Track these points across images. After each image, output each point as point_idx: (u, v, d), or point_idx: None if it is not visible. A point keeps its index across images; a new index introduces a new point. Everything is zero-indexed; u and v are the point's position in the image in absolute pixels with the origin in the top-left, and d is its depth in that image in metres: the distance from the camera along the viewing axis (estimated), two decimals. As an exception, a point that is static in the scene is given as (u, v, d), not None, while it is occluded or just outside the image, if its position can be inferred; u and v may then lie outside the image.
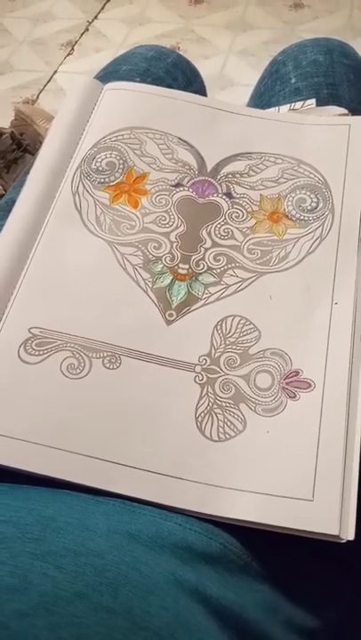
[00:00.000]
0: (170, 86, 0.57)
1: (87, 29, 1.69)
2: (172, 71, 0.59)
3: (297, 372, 0.35)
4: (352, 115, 0.48)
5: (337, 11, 1.62)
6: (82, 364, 0.35)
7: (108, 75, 0.58)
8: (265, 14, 1.64)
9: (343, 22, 1.57)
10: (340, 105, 0.51)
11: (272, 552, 0.32)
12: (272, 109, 0.53)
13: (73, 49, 1.63)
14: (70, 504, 0.30)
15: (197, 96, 0.51)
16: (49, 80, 1.55)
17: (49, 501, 0.30)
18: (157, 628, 0.24)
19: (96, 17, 1.72)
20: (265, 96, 0.58)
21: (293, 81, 0.56)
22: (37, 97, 1.50)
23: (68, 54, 1.62)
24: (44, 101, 1.48)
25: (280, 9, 1.65)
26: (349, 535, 0.29)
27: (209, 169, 0.44)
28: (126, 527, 0.29)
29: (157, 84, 0.56)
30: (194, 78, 0.62)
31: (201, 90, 0.64)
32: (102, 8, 1.75)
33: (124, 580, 0.25)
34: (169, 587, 0.26)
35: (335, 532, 0.29)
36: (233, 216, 0.41)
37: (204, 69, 1.41)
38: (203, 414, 0.34)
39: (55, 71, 1.57)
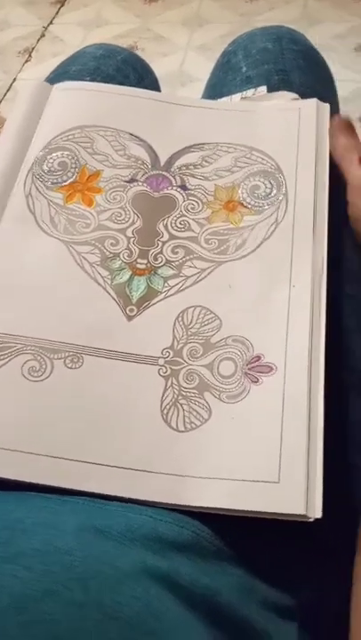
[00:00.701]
0: (121, 83, 0.57)
1: (43, 35, 1.67)
2: (123, 68, 0.59)
3: (259, 357, 0.35)
4: (303, 99, 0.48)
5: (292, 1, 1.62)
6: (43, 366, 0.35)
7: (58, 76, 0.57)
8: (220, 8, 1.64)
9: (299, 12, 1.57)
10: (290, 90, 0.51)
11: (244, 535, 0.32)
12: (224, 99, 0.53)
13: (30, 55, 1.62)
14: (38, 506, 0.30)
15: (147, 91, 0.51)
16: (8, 89, 1.54)
17: (17, 505, 0.30)
18: (128, 618, 0.24)
19: (51, 22, 1.71)
20: (217, 87, 0.58)
21: (244, 70, 0.56)
22: (-2, 106, 1.49)
23: (26, 61, 1.61)
24: (5, 110, 1.47)
25: (235, 2, 1.64)
26: (316, 513, 0.30)
27: (162, 162, 0.44)
28: (96, 524, 0.29)
29: (108, 82, 0.55)
30: (145, 74, 0.62)
31: (154, 85, 0.64)
32: (57, 13, 1.74)
33: (93, 574, 0.25)
34: (139, 577, 0.26)
35: (302, 512, 0.30)
36: (189, 208, 0.41)
37: (164, 67, 1.42)
38: (168, 406, 0.34)
39: (14, 79, 1.56)
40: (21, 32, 1.69)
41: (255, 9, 1.62)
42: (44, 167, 0.43)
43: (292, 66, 0.55)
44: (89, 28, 1.66)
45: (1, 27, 1.72)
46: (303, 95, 0.49)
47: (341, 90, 0.60)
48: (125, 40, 1.56)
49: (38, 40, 1.65)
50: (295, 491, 0.30)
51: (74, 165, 0.43)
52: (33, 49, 1.63)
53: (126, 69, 0.60)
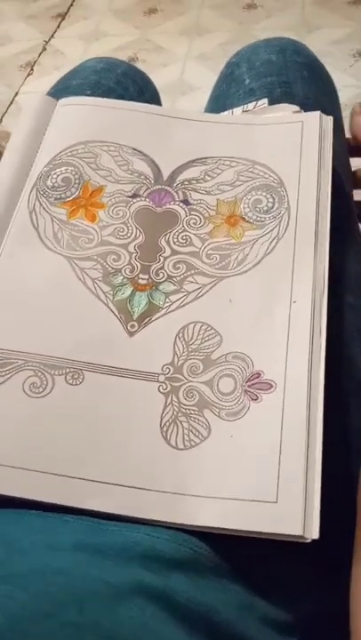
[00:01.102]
0: (121, 96, 0.57)
1: (45, 49, 1.69)
2: (123, 81, 0.59)
3: (258, 374, 0.35)
4: (305, 111, 0.48)
5: (289, 7, 1.63)
6: (44, 383, 0.35)
7: (60, 91, 0.57)
8: (219, 17, 1.65)
9: (297, 18, 1.58)
10: (293, 102, 0.51)
11: (243, 551, 0.32)
12: (226, 112, 0.53)
13: (32, 69, 1.63)
14: (37, 524, 0.30)
15: (150, 105, 0.51)
16: (11, 102, 1.55)
17: (15, 524, 0.30)
18: (125, 638, 0.24)
19: (53, 36, 1.73)
20: (220, 99, 0.58)
21: (247, 82, 0.56)
22: (1, 120, 1.50)
23: (28, 75, 1.62)
24: (9, 124, 1.48)
25: (233, 11, 1.66)
26: (313, 534, 0.29)
27: (165, 177, 0.44)
28: (93, 543, 0.29)
29: (108, 96, 0.56)
30: (145, 86, 0.62)
31: (154, 97, 0.64)
32: (58, 26, 1.75)
33: (90, 595, 0.25)
34: (135, 596, 0.26)
35: (299, 533, 0.29)
36: (190, 223, 0.41)
37: (164, 77, 1.43)
38: (168, 423, 0.34)
39: (17, 93, 1.57)
40: (23, 46, 1.70)
41: (253, 17, 1.63)
42: (48, 183, 0.43)
43: (296, 77, 0.55)
44: (90, 41, 1.68)
45: (3, 41, 1.74)
46: (306, 107, 0.49)
47: (340, 96, 0.60)
48: (126, 52, 1.57)
49: (40, 54, 1.67)
50: (293, 511, 0.30)
51: (77, 181, 0.43)
52: (35, 62, 1.65)
53: (126, 82, 0.60)
